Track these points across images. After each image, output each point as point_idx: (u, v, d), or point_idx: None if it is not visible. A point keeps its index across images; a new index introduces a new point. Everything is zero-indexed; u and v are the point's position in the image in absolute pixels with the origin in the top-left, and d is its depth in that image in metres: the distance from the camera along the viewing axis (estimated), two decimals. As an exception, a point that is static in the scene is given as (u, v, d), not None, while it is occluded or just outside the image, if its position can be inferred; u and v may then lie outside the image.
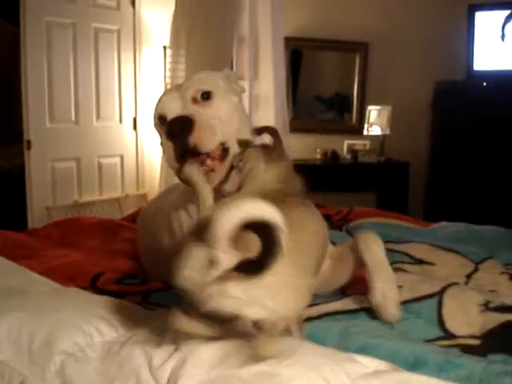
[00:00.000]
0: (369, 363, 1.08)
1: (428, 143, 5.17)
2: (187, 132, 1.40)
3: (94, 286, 1.66)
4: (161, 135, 1.49)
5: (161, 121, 1.49)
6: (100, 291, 1.59)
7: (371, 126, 5.07)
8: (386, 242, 1.54)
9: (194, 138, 1.40)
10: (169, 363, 1.01)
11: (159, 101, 1.52)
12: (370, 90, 5.33)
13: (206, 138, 1.42)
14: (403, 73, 5.26)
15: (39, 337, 1.17)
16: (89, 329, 1.17)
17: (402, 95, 5.25)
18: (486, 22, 4.68)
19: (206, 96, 1.49)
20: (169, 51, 4.53)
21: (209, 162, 1.44)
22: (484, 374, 1.13)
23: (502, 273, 1.85)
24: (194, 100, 1.48)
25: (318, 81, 5.46)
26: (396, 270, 1.58)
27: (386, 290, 1.37)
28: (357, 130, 5.29)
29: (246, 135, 1.53)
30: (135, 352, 1.04)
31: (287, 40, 4.91)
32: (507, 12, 4.60)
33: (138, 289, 1.64)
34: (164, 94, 1.54)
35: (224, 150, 1.47)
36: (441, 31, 5.05)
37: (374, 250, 1.43)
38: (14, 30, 4.34)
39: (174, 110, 1.46)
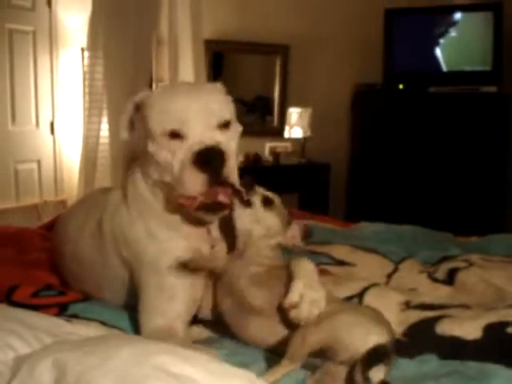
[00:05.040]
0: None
1: (348, 145, 5.27)
2: (222, 164, 1.36)
3: (9, 299, 1.59)
4: (159, 147, 1.39)
5: (172, 135, 1.38)
6: (16, 304, 1.53)
7: (292, 128, 5.11)
8: (308, 243, 1.54)
9: (227, 170, 1.37)
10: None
11: (177, 113, 1.38)
12: (291, 93, 5.37)
13: (235, 171, 1.40)
14: (323, 75, 5.34)
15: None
16: (1, 344, 1.12)
17: (323, 97, 5.32)
18: (403, 25, 4.81)
19: (226, 124, 1.44)
20: (86, 53, 4.43)
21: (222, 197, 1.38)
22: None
23: (421, 271, 1.90)
24: (219, 127, 1.41)
25: (240, 83, 5.45)
26: (321, 271, 1.58)
27: (307, 291, 1.29)
28: (278, 133, 5.32)
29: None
30: (42, 363, 1.01)
31: (208, 43, 4.90)
32: (423, 16, 4.76)
33: (55, 301, 1.59)
34: (186, 110, 1.38)
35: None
36: (359, 34, 5.15)
37: (305, 264, 1.37)
38: None
39: (197, 133, 1.37)
